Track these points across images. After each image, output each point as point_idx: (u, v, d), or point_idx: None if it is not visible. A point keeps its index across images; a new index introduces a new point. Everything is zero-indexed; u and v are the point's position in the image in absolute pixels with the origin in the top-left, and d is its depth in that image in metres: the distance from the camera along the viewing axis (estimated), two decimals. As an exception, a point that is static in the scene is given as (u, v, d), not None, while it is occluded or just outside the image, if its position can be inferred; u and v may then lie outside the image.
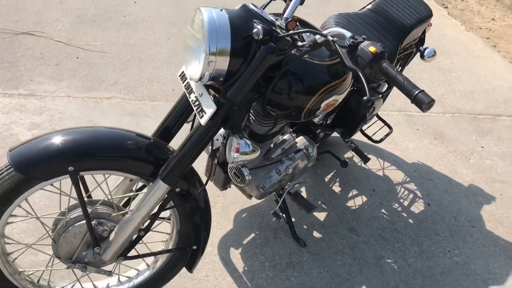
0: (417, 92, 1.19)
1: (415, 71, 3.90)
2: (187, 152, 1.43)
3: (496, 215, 2.64)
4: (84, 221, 1.49)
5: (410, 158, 2.94)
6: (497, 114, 3.61)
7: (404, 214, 2.52)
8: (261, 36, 1.31)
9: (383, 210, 2.52)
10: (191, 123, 1.65)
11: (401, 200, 2.61)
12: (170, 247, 1.71)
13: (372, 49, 1.24)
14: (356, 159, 2.78)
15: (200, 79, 1.35)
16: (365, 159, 2.56)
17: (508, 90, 3.94)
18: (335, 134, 2.60)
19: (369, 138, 2.60)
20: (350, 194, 2.57)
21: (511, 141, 3.32)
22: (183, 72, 1.53)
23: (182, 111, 1.59)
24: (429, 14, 2.37)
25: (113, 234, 1.52)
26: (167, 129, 1.60)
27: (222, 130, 1.83)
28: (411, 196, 2.65)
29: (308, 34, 1.54)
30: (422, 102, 1.18)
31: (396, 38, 2.18)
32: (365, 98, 1.19)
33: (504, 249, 2.43)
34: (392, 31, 2.19)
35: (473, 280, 2.22)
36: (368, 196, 2.58)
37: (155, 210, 1.54)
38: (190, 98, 1.45)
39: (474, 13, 6.02)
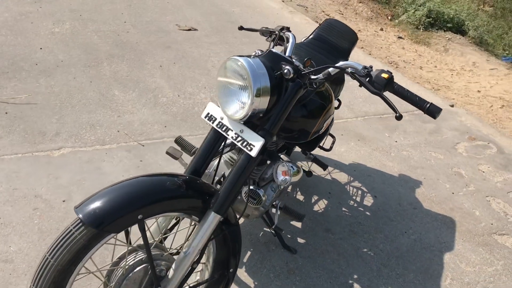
0: (428, 105, 1.53)
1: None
2: (235, 182, 1.59)
3: (427, 195, 3.15)
4: (143, 266, 1.56)
5: (346, 160, 3.35)
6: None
7: (360, 208, 2.90)
8: (291, 75, 1.55)
9: (343, 209, 2.86)
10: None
11: (354, 197, 2.98)
12: (206, 276, 1.83)
13: (385, 75, 1.55)
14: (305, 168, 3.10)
15: (244, 117, 1.54)
16: (324, 167, 2.88)
17: (397, 90, 4.61)
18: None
19: (321, 147, 2.94)
20: (313, 200, 2.87)
21: (415, 133, 3.93)
22: (208, 113, 1.69)
23: (211, 148, 1.73)
24: (356, 37, 2.80)
25: (171, 271, 1.60)
26: (198, 166, 1.73)
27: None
28: (359, 192, 3.04)
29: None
30: (435, 111, 1.51)
31: (340, 59, 2.55)
32: (397, 115, 1.49)
33: (443, 221, 2.93)
34: (336, 54, 2.56)
35: (431, 251, 2.66)
36: (327, 199, 2.90)
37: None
38: (228, 135, 1.61)
39: (344, 27, 6.82)
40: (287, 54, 1.85)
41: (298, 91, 1.58)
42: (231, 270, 1.82)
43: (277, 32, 1.96)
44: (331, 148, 2.91)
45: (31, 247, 2.17)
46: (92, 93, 3.49)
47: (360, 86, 1.57)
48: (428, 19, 7.26)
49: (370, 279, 2.38)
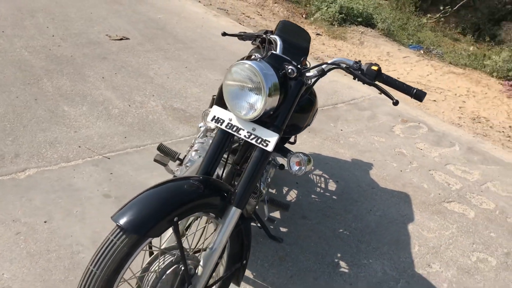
0: (414, 90, 1.74)
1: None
2: (253, 177, 1.70)
3: (380, 175, 3.45)
4: (174, 267, 1.62)
5: (303, 151, 3.55)
6: (334, 103, 4.53)
7: (327, 194, 3.11)
8: (295, 74, 1.69)
9: (312, 196, 3.06)
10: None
11: (319, 184, 3.19)
12: (221, 271, 1.91)
13: (374, 68, 1.75)
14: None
15: (257, 116, 1.65)
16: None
17: (330, 83, 4.93)
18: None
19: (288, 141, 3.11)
20: (284, 191, 3.04)
21: (356, 120, 4.25)
22: (215, 116, 1.78)
23: (219, 148, 1.80)
24: (310, 36, 3.00)
25: (200, 268, 1.68)
26: (209, 167, 1.80)
27: None
28: (322, 179, 3.26)
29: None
30: (421, 95, 1.74)
31: (303, 57, 2.74)
32: (394, 101, 1.68)
33: (399, 197, 3.24)
34: (299, 53, 2.73)
35: (396, 224, 2.94)
36: (296, 189, 3.08)
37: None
38: (240, 134, 1.71)
39: (266, 27, 7.08)
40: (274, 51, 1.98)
41: (301, 88, 1.73)
42: (244, 262, 1.92)
43: (264, 36, 2.08)
44: (295, 141, 3.09)
45: (25, 272, 2.11)
46: (41, 111, 3.37)
47: (354, 78, 1.75)
48: (341, 15, 7.74)
49: (352, 255, 2.60)
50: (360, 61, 1.79)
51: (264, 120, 1.75)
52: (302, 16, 8.23)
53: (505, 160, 4.09)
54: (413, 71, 6.23)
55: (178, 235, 1.55)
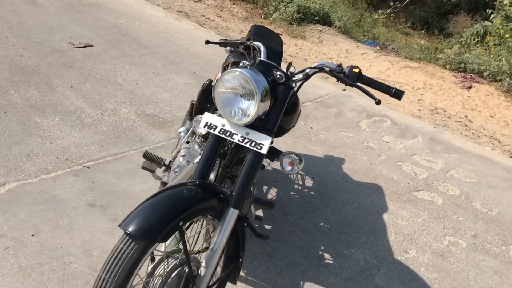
0: (393, 90, 1.87)
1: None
2: (249, 179, 1.79)
3: (352, 169, 3.61)
4: (178, 270, 1.69)
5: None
6: (302, 102, 4.66)
7: (305, 190, 3.24)
8: (283, 79, 1.79)
9: (291, 193, 3.17)
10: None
11: (297, 181, 3.31)
12: (219, 271, 1.99)
13: (356, 70, 1.86)
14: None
15: (251, 121, 1.74)
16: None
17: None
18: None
19: None
20: (264, 190, 3.14)
21: (324, 118, 4.40)
22: (207, 123, 1.85)
23: (213, 153, 1.87)
24: (281, 40, 3.11)
25: (202, 269, 1.75)
26: (204, 171, 1.87)
27: None
28: (299, 176, 3.38)
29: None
30: (399, 94, 1.87)
31: (279, 61, 2.83)
32: (376, 101, 1.81)
33: (372, 188, 3.40)
34: (275, 57, 2.82)
35: (372, 215, 3.10)
36: (275, 187, 3.19)
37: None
38: (233, 139, 1.79)
39: (227, 28, 7.16)
40: (257, 58, 2.05)
41: (290, 93, 1.82)
42: (240, 260, 2.00)
43: (248, 43, 2.14)
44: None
45: (19, 286, 2.11)
46: (12, 124, 3.33)
47: (338, 81, 1.87)
48: (299, 15, 7.91)
49: (334, 247, 2.73)
50: (341, 64, 1.90)
51: (256, 124, 1.83)
52: (261, 17, 8.35)
53: (465, 148, 4.35)
54: (372, 67, 6.47)
55: (183, 238, 1.61)
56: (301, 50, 6.85)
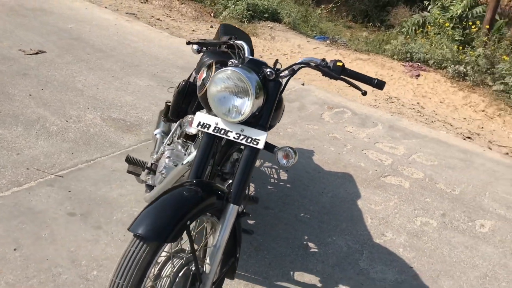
0: (375, 81, 1.96)
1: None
2: (246, 175, 1.82)
3: (322, 160, 3.72)
4: (184, 269, 1.71)
5: (248, 147, 3.71)
6: (265, 98, 4.73)
7: (281, 183, 3.31)
8: (273, 76, 1.84)
9: (269, 187, 3.23)
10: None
11: (272, 175, 3.38)
12: (219, 269, 2.01)
13: (339, 63, 1.94)
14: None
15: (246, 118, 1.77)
16: None
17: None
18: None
19: None
20: (241, 187, 3.17)
21: (288, 112, 4.49)
22: (200, 122, 1.86)
23: (207, 152, 1.89)
24: (249, 37, 3.15)
25: (207, 266, 1.77)
26: (199, 171, 1.88)
27: None
28: (273, 170, 3.45)
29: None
30: (381, 84, 1.96)
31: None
32: (362, 92, 1.89)
33: (343, 177, 3.52)
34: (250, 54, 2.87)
35: (347, 202, 3.21)
36: (252, 182, 3.24)
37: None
38: (229, 136, 1.82)
39: (179, 28, 7.11)
40: (243, 55, 2.08)
41: (280, 88, 1.87)
42: (237, 255, 2.04)
43: (231, 42, 2.14)
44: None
45: (10, 302, 2.05)
46: (-27, 137, 3.18)
47: (324, 75, 1.94)
48: (249, 12, 7.97)
49: (317, 235, 2.82)
50: (325, 59, 1.98)
51: (249, 120, 1.87)
52: (211, 15, 8.34)
53: (422, 133, 4.58)
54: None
55: (191, 237, 1.63)
56: (255, 47, 6.91)
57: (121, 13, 7.15)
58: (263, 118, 1.84)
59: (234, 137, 1.82)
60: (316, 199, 3.18)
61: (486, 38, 7.35)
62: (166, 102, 3.08)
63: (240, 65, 1.82)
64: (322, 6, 12.51)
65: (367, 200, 3.27)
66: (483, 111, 5.64)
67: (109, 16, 6.58)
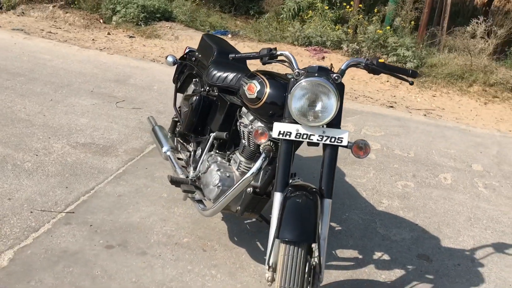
0: (410, 71, 2.26)
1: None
2: (333, 170, 2.03)
3: (295, 148, 3.98)
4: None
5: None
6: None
7: (275, 176, 3.51)
8: (339, 80, 2.03)
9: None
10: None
11: (263, 171, 3.56)
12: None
13: (381, 60, 2.20)
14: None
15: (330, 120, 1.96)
16: None
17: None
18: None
19: None
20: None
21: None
22: (280, 131, 2.00)
23: (289, 158, 2.03)
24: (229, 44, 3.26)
25: (320, 258, 1.95)
26: (286, 176, 2.02)
27: None
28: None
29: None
30: (415, 74, 2.26)
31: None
32: (410, 82, 2.17)
33: (319, 160, 3.83)
34: (241, 67, 2.97)
35: (338, 181, 3.49)
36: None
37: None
38: (312, 139, 1.99)
39: (78, 39, 6.75)
40: (296, 67, 2.21)
41: (343, 90, 2.09)
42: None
43: (277, 53, 2.24)
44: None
45: None
46: None
47: (369, 72, 2.18)
48: (143, 14, 7.83)
49: (332, 215, 3.10)
50: (366, 57, 2.24)
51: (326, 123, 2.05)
52: (100, 22, 8.00)
53: (358, 109, 5.10)
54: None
55: (318, 234, 1.81)
56: (163, 49, 6.88)
57: (6, 29, 6.57)
58: (337, 118, 2.04)
59: (317, 139, 2.00)
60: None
61: (361, 16, 8.15)
62: (173, 118, 3.09)
63: (316, 74, 1.99)
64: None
65: (352, 176, 3.63)
66: (387, 81, 6.40)
67: (4, 36, 6.01)
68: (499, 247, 2.94)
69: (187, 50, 3.38)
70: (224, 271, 2.47)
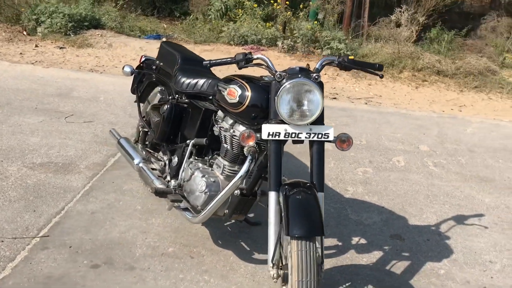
0: (376, 65, 2.40)
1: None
2: (323, 164, 2.12)
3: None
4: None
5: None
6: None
7: (243, 176, 3.57)
8: (319, 78, 2.13)
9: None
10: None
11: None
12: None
13: (351, 57, 2.33)
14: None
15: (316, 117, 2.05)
16: None
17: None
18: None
19: None
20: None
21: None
22: (269, 132, 2.06)
23: (280, 158, 2.10)
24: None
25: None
26: (279, 176, 2.09)
27: None
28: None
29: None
30: (381, 67, 2.42)
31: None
32: (380, 75, 2.31)
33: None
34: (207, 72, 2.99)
35: (303, 174, 3.67)
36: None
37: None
38: (300, 137, 2.07)
39: (3, 54, 6.39)
40: (272, 69, 2.26)
41: (323, 87, 2.18)
42: None
43: (252, 57, 2.28)
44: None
45: None
46: None
47: (341, 69, 2.30)
48: (71, 23, 7.53)
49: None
50: (340, 55, 2.35)
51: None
52: (24, 34, 7.59)
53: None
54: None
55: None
56: (99, 59, 6.67)
57: None
58: (321, 115, 2.14)
59: (305, 137, 2.09)
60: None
61: (288, 13, 8.35)
62: (142, 129, 3.04)
63: (299, 75, 2.07)
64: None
65: (304, 167, 3.77)
66: (325, 74, 6.64)
67: None
68: (459, 219, 3.20)
69: (143, 59, 3.35)
70: (216, 275, 2.49)
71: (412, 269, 2.67)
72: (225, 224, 2.94)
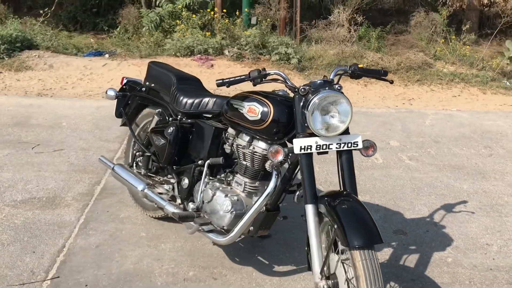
0: (382, 71, 2.51)
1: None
2: (353, 172, 2.18)
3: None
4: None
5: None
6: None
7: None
8: (341, 89, 2.19)
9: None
10: None
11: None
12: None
13: (360, 65, 2.39)
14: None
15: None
16: None
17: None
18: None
19: None
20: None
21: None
22: (301, 146, 2.07)
23: (312, 170, 2.12)
24: None
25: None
26: (313, 189, 2.11)
27: None
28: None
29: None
30: (386, 73, 2.52)
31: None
32: (390, 81, 2.41)
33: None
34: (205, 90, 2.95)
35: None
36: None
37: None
38: (331, 148, 2.11)
39: None
40: (289, 83, 2.28)
41: None
42: None
43: (268, 73, 2.27)
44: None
45: None
46: None
47: (352, 77, 2.37)
48: (4, 46, 7.06)
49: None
50: (356, 64, 2.38)
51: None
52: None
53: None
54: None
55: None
56: (43, 82, 6.33)
57: None
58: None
59: (336, 147, 2.13)
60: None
61: (226, 20, 8.36)
62: (143, 153, 2.94)
63: (327, 88, 2.11)
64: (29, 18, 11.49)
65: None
66: (278, 79, 6.74)
67: None
68: (447, 208, 3.41)
69: (125, 81, 3.25)
70: (246, 293, 2.48)
71: (423, 261, 2.81)
72: (236, 240, 2.92)
